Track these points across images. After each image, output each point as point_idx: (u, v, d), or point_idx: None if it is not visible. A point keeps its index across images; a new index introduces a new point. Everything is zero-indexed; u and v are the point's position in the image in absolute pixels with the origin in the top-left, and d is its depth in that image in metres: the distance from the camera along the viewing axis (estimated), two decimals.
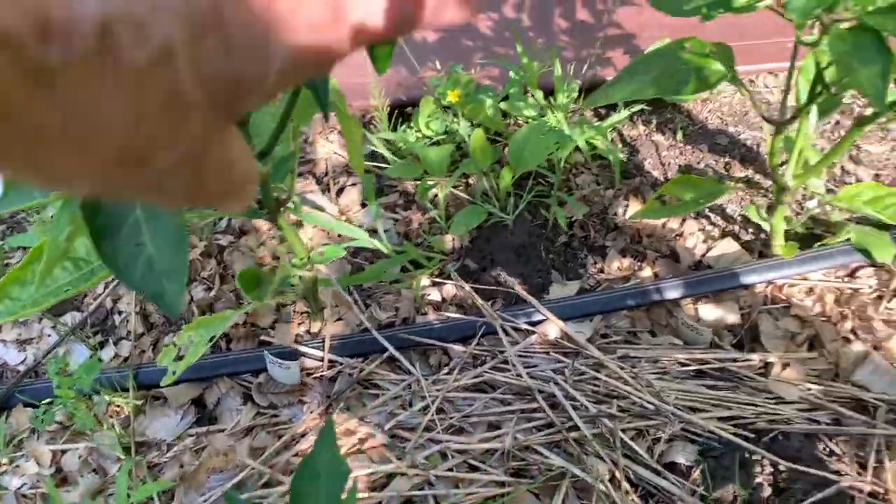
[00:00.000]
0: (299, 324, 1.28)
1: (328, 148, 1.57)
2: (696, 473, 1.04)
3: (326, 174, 1.51)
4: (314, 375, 1.20)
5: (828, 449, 1.04)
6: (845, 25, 0.67)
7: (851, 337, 1.13)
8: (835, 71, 0.84)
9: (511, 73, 1.47)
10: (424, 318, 1.24)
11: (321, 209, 1.42)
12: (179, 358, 1.07)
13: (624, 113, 1.40)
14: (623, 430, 1.08)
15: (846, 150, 1.10)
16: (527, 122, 1.43)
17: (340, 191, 1.49)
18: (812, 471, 1.01)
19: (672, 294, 1.18)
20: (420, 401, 1.14)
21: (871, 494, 0.99)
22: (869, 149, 1.40)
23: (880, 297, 1.16)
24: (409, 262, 1.29)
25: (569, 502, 1.04)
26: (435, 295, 1.27)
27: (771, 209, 1.18)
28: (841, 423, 1.05)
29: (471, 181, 1.42)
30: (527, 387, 1.13)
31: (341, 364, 1.20)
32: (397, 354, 1.18)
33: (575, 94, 1.44)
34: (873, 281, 1.18)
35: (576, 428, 1.09)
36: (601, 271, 1.28)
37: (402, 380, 1.18)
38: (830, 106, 1.01)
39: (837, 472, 1.01)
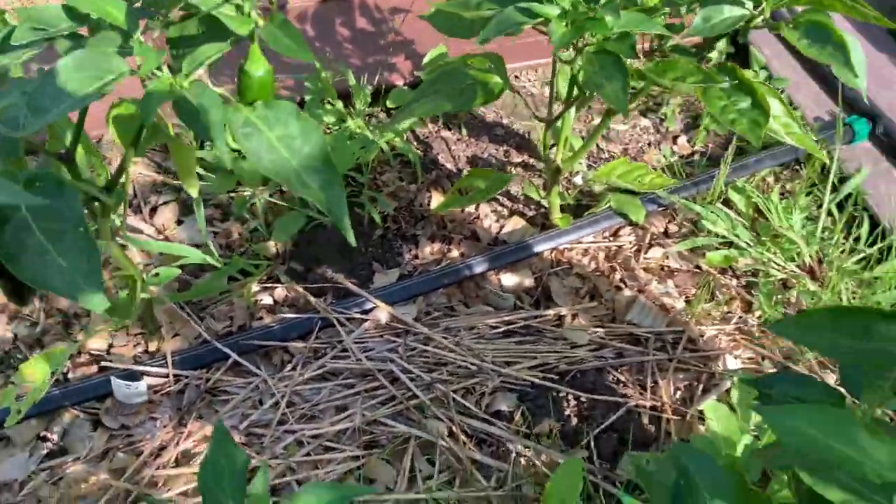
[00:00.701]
0: (135, 345, 1.32)
1: (132, 169, 1.59)
2: (518, 416, 1.24)
3: (136, 196, 1.53)
4: (162, 392, 1.25)
5: (615, 378, 1.28)
6: (591, 49, 0.87)
7: (621, 285, 1.38)
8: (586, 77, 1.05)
9: (306, 84, 1.58)
10: (261, 322, 1.33)
11: (139, 231, 1.45)
12: (19, 397, 1.08)
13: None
14: (454, 391, 1.25)
15: (601, 133, 1.34)
16: (328, 129, 1.55)
17: (153, 210, 1.51)
18: (605, 398, 1.25)
19: (478, 269, 1.37)
20: (270, 398, 1.24)
21: (653, 409, 1.25)
22: (616, 128, 1.68)
23: (639, 250, 1.43)
24: (238, 272, 1.36)
25: (417, 462, 1.20)
26: (267, 299, 1.36)
27: (546, 188, 1.40)
28: (623, 355, 1.30)
29: (285, 187, 1.52)
30: (367, 368, 1.26)
31: (187, 377, 1.26)
32: (240, 360, 1.26)
33: (369, 100, 1.58)
34: (632, 238, 1.45)
35: (415, 396, 1.24)
36: (416, 257, 1.44)
37: (249, 382, 1.26)
38: (584, 103, 1.24)
39: (625, 396, 1.25)
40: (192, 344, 1.31)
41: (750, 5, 0.87)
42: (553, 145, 1.37)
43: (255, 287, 1.37)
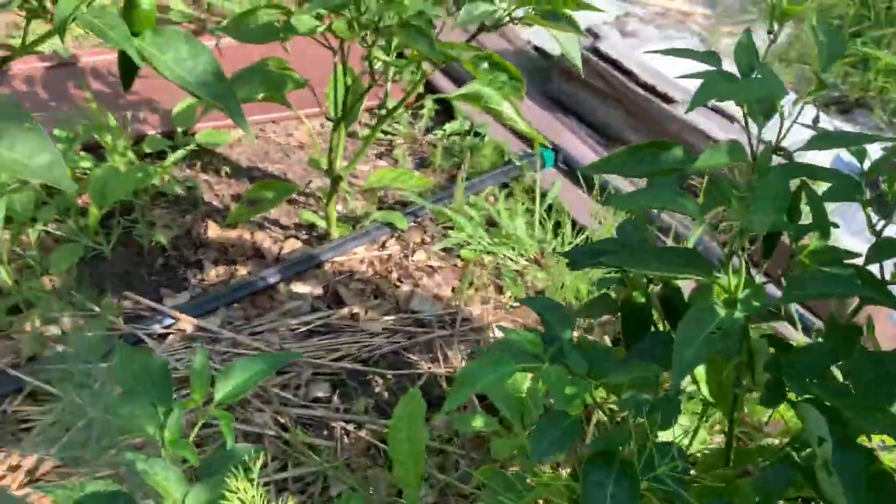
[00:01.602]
0: None
1: None
2: (335, 399, 1.33)
3: None
4: None
5: (411, 356, 1.44)
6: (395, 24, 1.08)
7: (399, 283, 1.57)
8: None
9: (55, 131, 1.56)
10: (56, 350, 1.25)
11: None
12: None
13: (179, 153, 1.63)
14: (272, 386, 1.31)
15: (372, 140, 1.54)
16: (87, 172, 1.54)
17: None
18: (406, 371, 1.40)
19: (271, 280, 1.46)
20: (82, 418, 1.17)
21: (447, 378, 1.43)
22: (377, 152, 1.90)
23: (406, 256, 1.64)
24: (22, 303, 1.28)
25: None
26: (55, 329, 1.29)
27: (326, 211, 1.56)
28: (413, 337, 1.47)
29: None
30: (184, 376, 1.27)
31: None
32: (40, 384, 1.19)
33: (131, 142, 1.61)
34: (398, 247, 1.66)
35: None
36: (203, 280, 1.48)
37: (52, 407, 1.18)
38: (355, 116, 1.45)
39: (421, 367, 1.42)
40: None
41: (503, 5, 1.16)
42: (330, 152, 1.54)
43: (37, 321, 1.29)
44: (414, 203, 1.71)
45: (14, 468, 1.09)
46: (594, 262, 0.92)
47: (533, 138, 1.40)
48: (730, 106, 1.93)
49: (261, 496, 0.75)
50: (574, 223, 1.80)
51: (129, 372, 0.75)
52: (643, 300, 0.94)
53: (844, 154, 2.20)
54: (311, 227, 1.66)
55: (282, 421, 1.26)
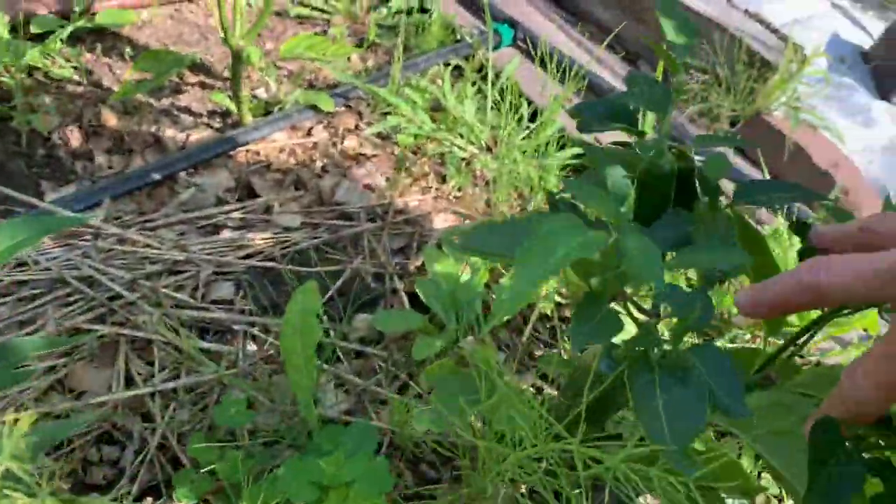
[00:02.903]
0: None
1: None
2: (239, 300, 1.16)
3: None
4: None
5: (334, 251, 1.26)
6: None
7: (323, 173, 1.38)
8: None
9: None
10: None
11: None
12: None
13: (67, 30, 1.42)
14: (164, 287, 1.13)
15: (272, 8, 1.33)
16: None
17: None
18: (326, 268, 1.22)
19: (170, 170, 1.27)
20: None
21: (376, 273, 1.25)
22: None
23: (335, 144, 1.44)
24: None
25: (132, 364, 1.05)
26: None
27: (234, 90, 1.35)
28: (337, 231, 1.29)
29: None
30: (56, 277, 1.09)
31: None
32: None
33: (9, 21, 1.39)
34: (325, 134, 1.46)
35: (119, 296, 1.10)
36: (93, 173, 1.29)
37: None
38: None
39: (346, 263, 1.24)
40: None
41: None
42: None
43: None
44: (344, 84, 1.51)
45: None
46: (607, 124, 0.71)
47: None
48: None
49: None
50: (532, 105, 1.59)
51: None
52: (668, 168, 0.71)
53: (843, 33, 1.96)
54: (226, 114, 1.46)
55: (172, 325, 1.09)
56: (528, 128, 1.56)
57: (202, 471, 0.86)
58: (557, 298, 1.23)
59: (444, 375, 0.85)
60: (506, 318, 1.20)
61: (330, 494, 0.75)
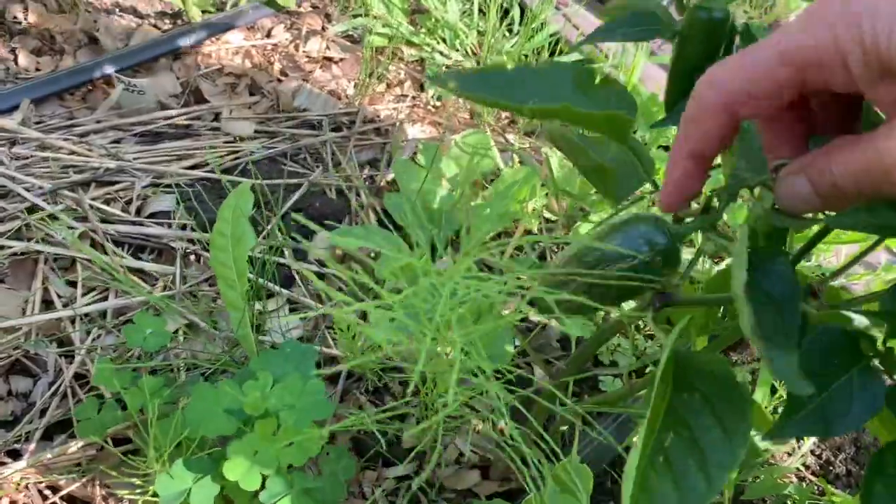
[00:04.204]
0: None
1: None
2: (180, 216, 1.01)
3: None
4: None
5: (292, 164, 1.11)
6: None
7: (283, 77, 1.22)
8: None
9: None
10: None
11: None
12: None
13: None
14: (93, 199, 0.98)
15: None
16: None
17: None
18: (283, 181, 1.07)
19: (105, 70, 1.11)
20: None
21: (340, 191, 1.10)
22: None
23: (297, 45, 1.27)
24: None
25: (52, 284, 0.91)
26: None
27: None
28: (297, 140, 1.13)
29: None
30: None
31: None
32: None
33: None
34: (288, 35, 1.29)
35: (36, 208, 0.95)
36: (16, 75, 1.13)
37: None
38: None
39: (304, 175, 1.09)
40: None
41: None
42: None
43: None
44: None
45: None
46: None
47: None
48: None
49: None
50: (524, 9, 1.42)
51: None
52: (721, 15, 0.55)
53: None
54: (177, 15, 1.29)
55: (100, 241, 0.94)
56: (517, 32, 1.39)
57: (107, 402, 0.72)
58: (546, 214, 1.08)
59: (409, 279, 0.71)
60: (488, 236, 1.06)
61: (255, 426, 0.61)
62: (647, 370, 0.91)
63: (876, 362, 0.41)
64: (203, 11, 1.24)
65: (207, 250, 0.97)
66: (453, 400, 0.63)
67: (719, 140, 0.36)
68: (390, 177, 1.11)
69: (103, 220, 0.97)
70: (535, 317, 1.01)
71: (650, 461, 0.41)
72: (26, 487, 0.72)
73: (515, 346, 0.95)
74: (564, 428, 0.85)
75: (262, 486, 0.60)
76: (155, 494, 0.61)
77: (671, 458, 0.41)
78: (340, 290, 0.96)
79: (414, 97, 1.25)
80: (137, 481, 0.65)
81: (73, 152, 1.01)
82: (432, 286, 0.62)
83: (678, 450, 0.41)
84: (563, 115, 0.38)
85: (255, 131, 1.13)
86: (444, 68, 1.31)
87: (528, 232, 1.07)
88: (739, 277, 0.35)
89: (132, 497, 0.64)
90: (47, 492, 0.73)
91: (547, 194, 1.06)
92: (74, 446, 0.74)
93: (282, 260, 0.98)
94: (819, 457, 0.91)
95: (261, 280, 0.95)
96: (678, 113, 0.39)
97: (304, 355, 0.67)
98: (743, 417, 0.46)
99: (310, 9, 1.33)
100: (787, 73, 0.32)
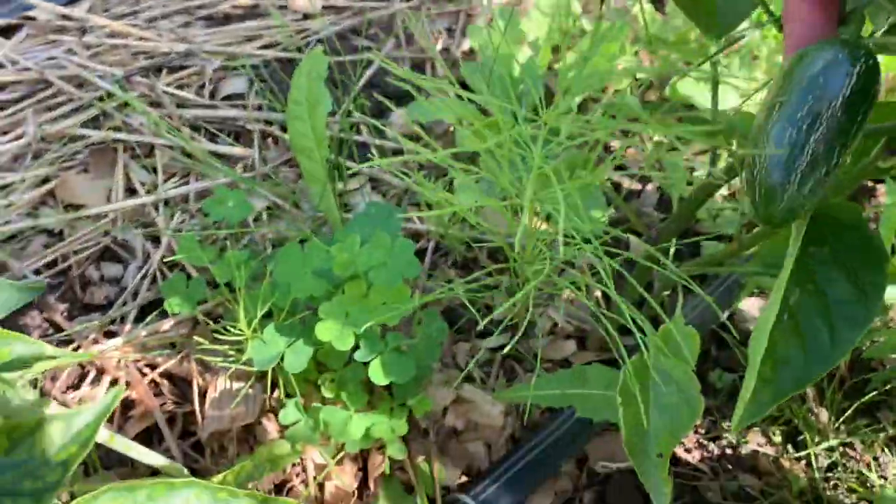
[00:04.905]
0: None
1: None
2: (253, 97, 0.98)
3: None
4: None
5: (362, 38, 1.05)
6: None
7: None
8: None
9: None
10: None
11: None
12: None
13: None
14: (166, 84, 0.96)
15: None
16: None
17: None
18: (355, 57, 1.02)
19: None
20: None
21: (415, 64, 1.04)
22: None
23: None
24: None
25: (133, 171, 0.90)
26: None
27: None
28: (365, 13, 1.07)
29: None
30: (38, 78, 0.93)
31: None
32: None
33: None
34: None
35: (110, 96, 0.94)
36: None
37: None
38: None
39: (381, 48, 1.04)
40: None
41: None
42: None
43: None
44: None
45: None
46: None
47: None
48: None
49: None
50: None
51: None
52: None
53: None
54: None
55: (178, 126, 0.92)
56: None
57: (196, 277, 0.71)
58: (640, 74, 1.00)
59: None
60: (576, 100, 0.99)
61: (345, 287, 0.58)
62: (755, 229, 0.85)
63: None
64: None
65: (285, 130, 0.95)
66: (544, 269, 0.59)
67: None
68: (467, 46, 1.05)
69: (178, 105, 0.95)
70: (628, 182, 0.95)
71: (777, 321, 0.36)
72: (126, 366, 0.73)
73: (610, 210, 0.90)
74: (666, 293, 0.80)
75: (357, 347, 0.58)
76: (248, 362, 0.61)
77: (798, 317, 0.36)
78: (421, 167, 0.92)
79: None
80: (231, 351, 0.64)
81: (142, 38, 0.99)
82: (520, 141, 0.57)
83: (806, 308, 0.36)
84: None
85: (322, 6, 1.07)
86: None
87: (619, 94, 0.99)
88: None
89: (227, 366, 0.64)
90: (146, 369, 0.74)
91: (637, 52, 0.98)
92: (167, 324, 0.74)
93: (359, 138, 0.94)
94: None
95: (340, 159, 0.92)
96: None
97: (388, 216, 0.64)
98: (879, 271, 0.40)
99: None
100: None
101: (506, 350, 0.78)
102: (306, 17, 1.06)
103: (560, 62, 1.00)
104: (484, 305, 0.82)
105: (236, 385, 0.68)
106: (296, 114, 0.74)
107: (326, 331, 0.56)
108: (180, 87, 0.97)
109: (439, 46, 1.05)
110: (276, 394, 0.68)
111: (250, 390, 0.67)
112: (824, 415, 0.78)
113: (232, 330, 0.62)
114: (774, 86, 0.36)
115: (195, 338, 0.71)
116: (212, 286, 0.74)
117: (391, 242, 0.58)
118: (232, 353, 0.64)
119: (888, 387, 0.78)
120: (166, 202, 0.88)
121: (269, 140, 0.94)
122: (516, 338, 0.51)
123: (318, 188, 0.73)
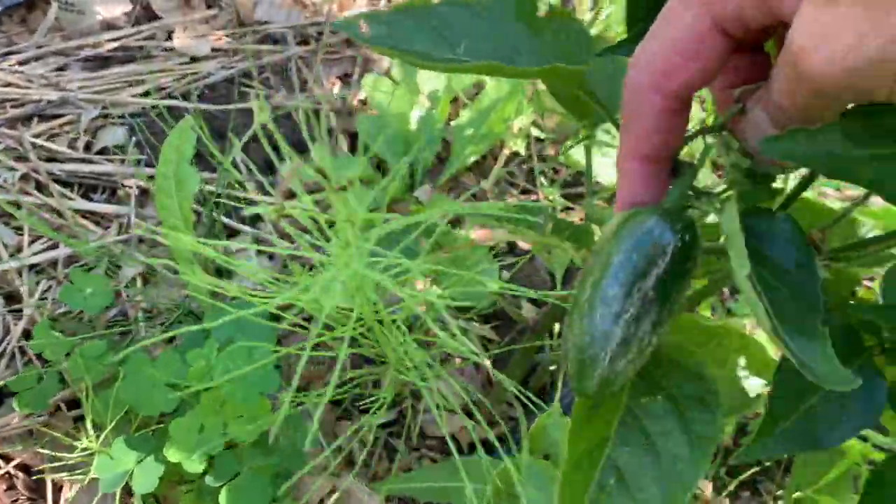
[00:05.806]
0: None
1: None
2: (133, 149, 0.92)
3: None
4: None
5: (254, 82, 1.01)
6: None
7: None
8: None
9: None
10: None
11: None
12: None
13: None
14: (35, 136, 0.90)
15: None
16: None
17: None
18: (243, 105, 0.98)
19: None
20: None
21: (311, 113, 1.00)
22: None
23: None
24: None
25: None
26: None
27: None
28: (259, 58, 1.03)
29: None
30: None
31: None
32: None
33: None
34: None
35: None
36: None
37: None
38: None
39: (272, 95, 1.00)
40: None
41: None
42: None
43: None
44: None
45: None
46: None
47: None
48: None
49: None
50: None
51: None
52: None
53: None
54: None
55: (45, 183, 0.86)
56: None
57: (50, 370, 0.66)
58: (535, 133, 0.99)
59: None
60: (471, 160, 0.97)
61: (202, 397, 0.55)
62: None
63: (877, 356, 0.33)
64: None
65: None
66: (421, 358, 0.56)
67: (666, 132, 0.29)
68: (363, 95, 1.01)
69: (48, 159, 0.89)
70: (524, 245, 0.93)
71: (599, 484, 0.34)
72: None
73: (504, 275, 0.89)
74: (550, 371, 0.79)
75: (211, 466, 0.54)
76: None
77: (626, 477, 0.35)
78: (312, 226, 0.88)
79: (389, 0, 1.14)
80: (85, 459, 0.60)
81: (9, 84, 0.92)
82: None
83: (633, 465, 0.35)
84: (490, 71, 0.29)
85: (212, 49, 1.02)
86: None
87: (515, 154, 0.98)
88: (741, 265, 0.27)
89: (79, 478, 0.59)
90: (0, 462, 0.68)
91: (534, 111, 0.96)
92: (18, 416, 0.69)
93: (243, 193, 0.90)
94: None
95: (223, 218, 0.88)
96: (641, 37, 0.30)
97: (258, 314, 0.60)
98: (712, 421, 0.39)
99: None
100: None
101: (390, 430, 0.76)
102: (194, 59, 1.01)
103: (457, 118, 0.98)
104: (371, 382, 0.79)
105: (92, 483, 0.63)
106: (164, 187, 0.69)
107: (175, 452, 0.52)
108: (52, 137, 0.91)
109: (335, 92, 1.02)
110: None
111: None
112: (709, 488, 0.78)
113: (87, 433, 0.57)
114: (596, 249, 0.35)
115: (51, 432, 0.66)
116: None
117: (248, 352, 0.55)
118: (83, 458, 0.60)
119: (767, 464, 0.79)
120: (31, 267, 0.82)
121: (147, 197, 0.89)
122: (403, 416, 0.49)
123: (183, 264, 0.69)
